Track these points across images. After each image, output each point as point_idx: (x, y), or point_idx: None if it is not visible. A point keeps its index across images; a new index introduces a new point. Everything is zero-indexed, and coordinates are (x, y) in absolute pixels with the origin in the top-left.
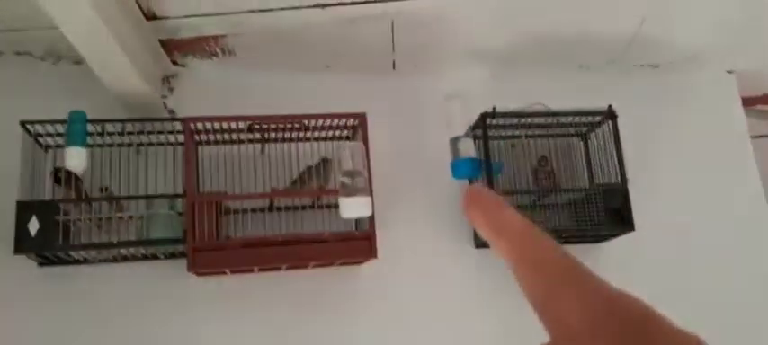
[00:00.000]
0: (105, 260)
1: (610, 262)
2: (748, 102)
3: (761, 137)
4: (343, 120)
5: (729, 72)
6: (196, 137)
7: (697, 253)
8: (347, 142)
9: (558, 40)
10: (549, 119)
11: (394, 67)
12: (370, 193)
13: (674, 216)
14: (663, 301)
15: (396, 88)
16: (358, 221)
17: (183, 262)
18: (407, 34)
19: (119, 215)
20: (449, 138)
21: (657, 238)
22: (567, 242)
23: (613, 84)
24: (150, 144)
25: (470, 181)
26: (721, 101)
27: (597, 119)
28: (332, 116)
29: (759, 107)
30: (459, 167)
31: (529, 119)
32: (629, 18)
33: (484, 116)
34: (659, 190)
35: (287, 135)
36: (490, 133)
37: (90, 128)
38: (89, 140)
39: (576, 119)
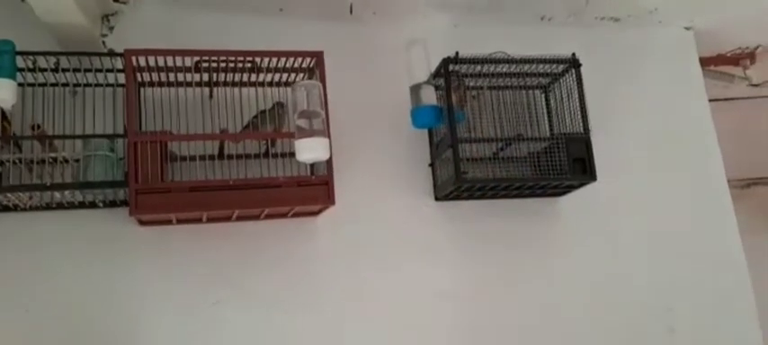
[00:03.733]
0: (39, 208)
1: (570, 215)
2: (705, 62)
3: (716, 100)
4: (299, 61)
5: (687, 28)
6: (138, 77)
7: (654, 207)
8: (303, 81)
9: None
10: (512, 68)
11: (351, 12)
12: (328, 135)
13: (633, 169)
14: (621, 255)
15: (353, 34)
16: (314, 167)
17: (124, 211)
18: None
19: (52, 155)
20: (409, 86)
21: (616, 191)
22: (529, 195)
23: (574, 36)
24: (87, 84)
25: (431, 130)
26: (679, 58)
27: (560, 67)
28: (286, 54)
29: (713, 67)
30: (421, 115)
31: (492, 67)
32: None
33: (446, 61)
34: (618, 144)
35: (237, 77)
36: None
37: (20, 61)
38: (19, 78)
39: (539, 69)
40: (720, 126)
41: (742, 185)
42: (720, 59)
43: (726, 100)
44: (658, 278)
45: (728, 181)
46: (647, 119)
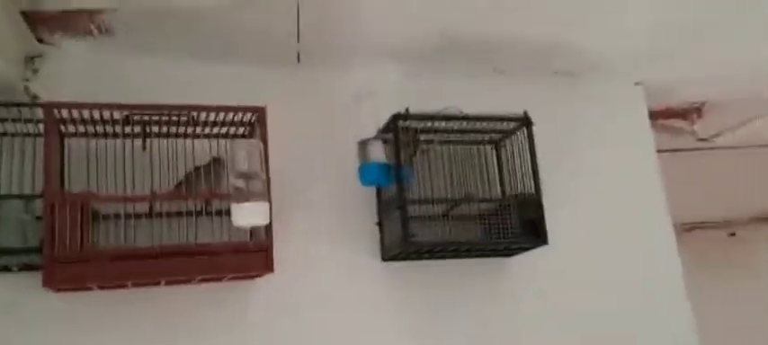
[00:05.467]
0: None
1: (521, 277)
2: (655, 115)
3: (666, 151)
4: (239, 115)
5: (638, 84)
6: (62, 128)
7: (604, 267)
8: (243, 140)
9: (474, 42)
10: (464, 125)
11: (299, 60)
12: (268, 199)
13: (584, 228)
14: (570, 316)
15: (300, 83)
16: (253, 230)
17: (40, 276)
18: (314, 23)
19: None
20: (357, 141)
21: (568, 252)
22: (478, 255)
23: (528, 89)
24: (3, 133)
25: (379, 188)
26: (630, 111)
27: (512, 125)
28: (226, 109)
29: (662, 121)
30: (368, 173)
31: (442, 124)
32: (547, 24)
33: (396, 117)
34: (570, 202)
35: (173, 130)
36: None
37: None
38: None
39: (491, 126)
40: (668, 175)
41: (686, 228)
42: (669, 113)
43: (674, 151)
44: (607, 331)
45: (674, 225)
46: (597, 172)
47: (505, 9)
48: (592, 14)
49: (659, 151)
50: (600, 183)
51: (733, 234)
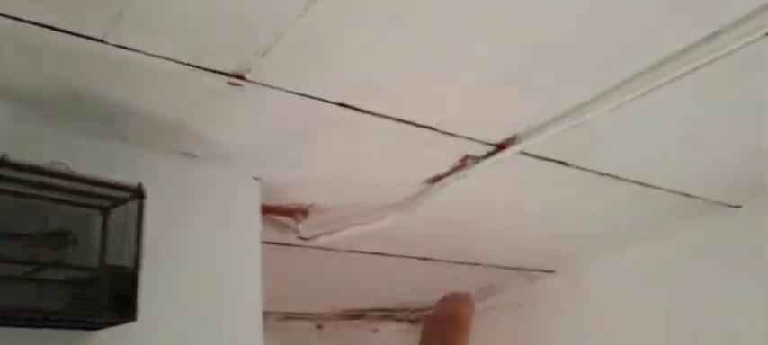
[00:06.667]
0: None
1: None
2: (267, 210)
3: (273, 244)
4: None
5: (256, 178)
6: None
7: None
8: None
9: (100, 101)
10: (73, 184)
11: None
12: None
13: (178, 309)
14: None
15: None
16: None
17: None
18: None
19: None
20: None
21: (158, 330)
22: (55, 325)
23: (149, 162)
24: None
25: None
26: (243, 203)
27: (124, 194)
28: None
29: (272, 216)
30: None
31: (47, 179)
32: (178, 102)
33: None
34: (169, 281)
35: None
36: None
37: None
38: None
39: (101, 191)
40: (272, 267)
41: (283, 318)
42: (280, 210)
43: (280, 244)
44: None
45: (273, 313)
46: (201, 255)
47: (132, 77)
48: (219, 102)
49: (267, 243)
50: (202, 266)
51: (320, 327)
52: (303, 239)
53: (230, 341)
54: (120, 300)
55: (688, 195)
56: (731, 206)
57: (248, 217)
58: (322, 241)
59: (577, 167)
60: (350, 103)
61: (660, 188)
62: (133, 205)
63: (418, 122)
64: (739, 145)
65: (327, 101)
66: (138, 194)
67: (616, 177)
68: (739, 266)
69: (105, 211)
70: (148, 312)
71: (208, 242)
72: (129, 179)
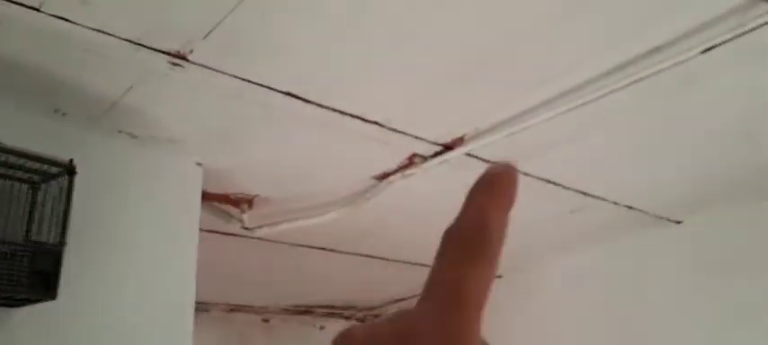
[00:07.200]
0: None
1: (24, 330)
2: (210, 198)
3: (217, 232)
4: None
5: (199, 164)
6: None
7: (112, 334)
8: None
9: (36, 74)
10: (1, 156)
11: None
12: None
13: (105, 291)
14: None
15: None
16: None
17: None
18: None
19: None
20: None
21: (81, 311)
22: None
23: (87, 140)
24: None
25: None
26: (184, 188)
27: (54, 169)
28: None
29: (215, 204)
30: None
31: None
32: (119, 80)
33: None
34: (99, 262)
35: None
36: None
37: None
38: None
39: (31, 165)
40: (217, 257)
41: (227, 310)
42: (224, 198)
43: (225, 234)
44: None
45: (216, 304)
46: (135, 238)
47: (70, 50)
48: (161, 83)
49: (211, 232)
50: (135, 250)
51: (267, 321)
52: (247, 229)
53: (157, 328)
54: (41, 277)
55: (631, 207)
56: (672, 221)
57: (188, 203)
58: (266, 232)
59: (523, 173)
60: (296, 93)
61: (604, 199)
62: (63, 181)
63: (366, 117)
64: (678, 162)
65: (273, 89)
66: (69, 170)
67: (560, 185)
68: (679, 281)
69: (34, 186)
70: (71, 292)
71: (143, 224)
72: (65, 156)
